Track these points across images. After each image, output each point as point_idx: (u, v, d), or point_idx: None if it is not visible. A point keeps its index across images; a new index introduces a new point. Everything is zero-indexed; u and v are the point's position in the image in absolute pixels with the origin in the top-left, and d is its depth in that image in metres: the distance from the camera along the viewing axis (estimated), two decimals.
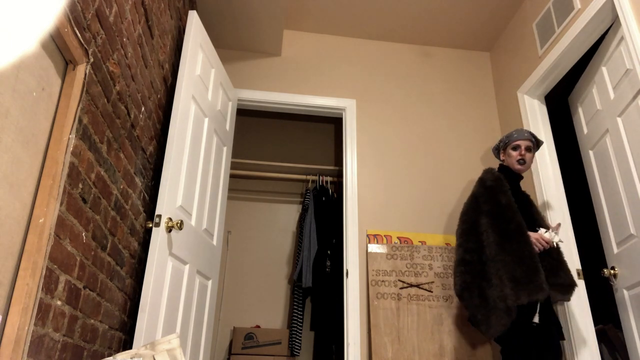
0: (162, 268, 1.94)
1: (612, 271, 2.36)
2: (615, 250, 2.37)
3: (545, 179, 2.79)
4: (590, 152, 2.62)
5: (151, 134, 2.13)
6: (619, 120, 2.35)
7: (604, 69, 2.48)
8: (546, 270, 2.18)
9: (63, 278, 1.32)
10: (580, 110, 2.74)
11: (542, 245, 2.20)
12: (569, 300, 2.24)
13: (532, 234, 2.22)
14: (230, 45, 3.34)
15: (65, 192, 1.30)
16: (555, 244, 2.21)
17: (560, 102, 4.15)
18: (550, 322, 2.12)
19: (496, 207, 2.22)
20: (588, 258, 3.94)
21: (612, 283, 2.37)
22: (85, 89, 1.39)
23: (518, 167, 2.43)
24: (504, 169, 2.48)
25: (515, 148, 2.45)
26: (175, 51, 2.51)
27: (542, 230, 2.23)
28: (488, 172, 2.41)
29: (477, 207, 2.30)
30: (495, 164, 3.26)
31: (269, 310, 3.67)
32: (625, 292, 2.27)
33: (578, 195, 4.29)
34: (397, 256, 2.84)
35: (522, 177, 2.48)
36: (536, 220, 2.39)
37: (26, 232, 1.18)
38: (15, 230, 1.13)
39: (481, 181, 2.38)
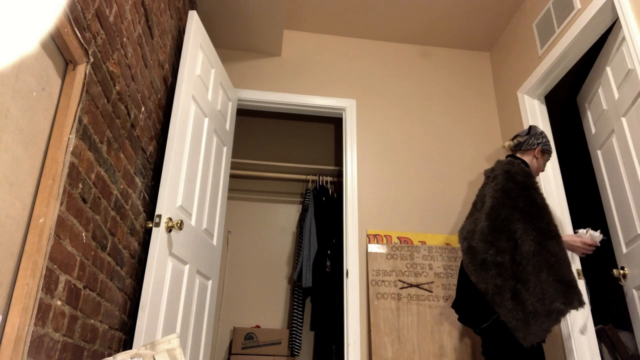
0: (162, 268, 1.94)
1: (621, 271, 2.32)
2: (624, 250, 2.35)
3: (546, 178, 2.79)
4: (599, 152, 2.61)
5: (151, 134, 2.13)
6: (623, 120, 2.34)
7: (608, 69, 2.48)
8: None
9: (63, 278, 1.32)
10: (588, 110, 2.73)
11: (589, 251, 2.05)
12: None
13: (573, 238, 2.06)
14: (230, 45, 3.34)
15: (65, 192, 1.30)
16: (598, 242, 2.06)
17: (567, 102, 4.14)
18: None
19: (532, 206, 2.01)
20: (588, 258, 3.94)
21: (621, 283, 2.32)
22: (85, 89, 1.39)
23: (536, 175, 2.29)
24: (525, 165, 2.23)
25: (549, 156, 2.32)
26: (175, 51, 2.51)
27: (581, 232, 2.06)
28: (515, 165, 2.12)
29: (507, 203, 2.03)
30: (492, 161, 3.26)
31: (269, 310, 3.67)
32: (634, 292, 2.24)
33: (584, 195, 4.30)
34: (397, 256, 2.84)
35: None
36: None
37: (26, 232, 1.18)
38: (15, 230, 1.13)
39: (508, 174, 2.09)
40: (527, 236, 1.96)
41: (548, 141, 2.30)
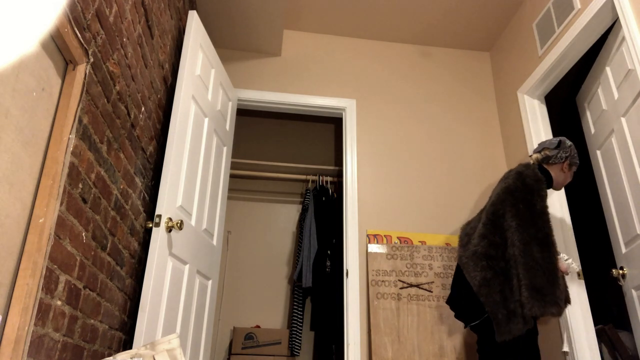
0: (162, 268, 1.94)
1: (620, 271, 2.32)
2: (624, 250, 2.35)
3: None
4: (598, 152, 2.61)
5: (151, 134, 2.13)
6: (623, 120, 2.34)
7: (608, 69, 2.48)
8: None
9: (63, 278, 1.32)
10: (587, 110, 2.73)
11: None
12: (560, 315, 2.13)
13: None
14: (230, 45, 3.34)
15: (65, 192, 1.30)
16: (569, 274, 2.08)
17: (567, 102, 4.14)
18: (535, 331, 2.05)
19: (529, 210, 2.03)
20: (588, 258, 3.94)
21: (620, 283, 2.32)
22: (85, 89, 1.39)
23: (561, 187, 2.28)
24: (542, 172, 2.21)
25: (576, 167, 2.29)
26: (175, 51, 2.51)
27: (562, 256, 2.10)
28: (529, 168, 2.15)
29: (508, 201, 2.07)
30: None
31: (269, 310, 3.67)
32: (634, 292, 2.24)
33: (584, 195, 4.29)
34: (397, 256, 2.84)
35: None
36: None
37: (26, 232, 1.18)
38: (15, 230, 1.13)
39: (519, 175, 2.12)
40: (515, 237, 2.00)
41: (576, 153, 2.28)
